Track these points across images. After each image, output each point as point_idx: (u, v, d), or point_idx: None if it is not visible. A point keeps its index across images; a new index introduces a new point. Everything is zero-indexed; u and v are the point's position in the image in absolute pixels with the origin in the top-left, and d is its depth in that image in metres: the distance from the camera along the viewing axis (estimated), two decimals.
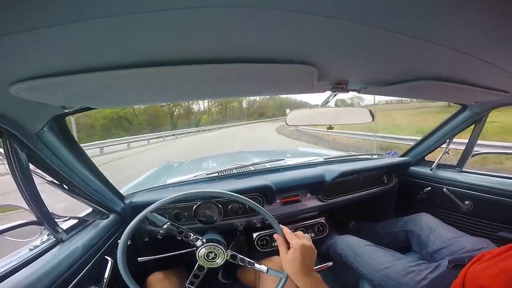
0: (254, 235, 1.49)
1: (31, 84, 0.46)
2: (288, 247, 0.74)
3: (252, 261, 0.86)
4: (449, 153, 1.56)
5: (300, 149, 3.48)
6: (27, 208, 0.77)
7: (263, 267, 0.84)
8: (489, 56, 0.57)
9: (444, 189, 1.49)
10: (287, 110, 1.07)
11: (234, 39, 0.42)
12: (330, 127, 1.10)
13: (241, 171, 1.63)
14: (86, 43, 0.38)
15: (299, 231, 0.79)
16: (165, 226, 0.84)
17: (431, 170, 1.63)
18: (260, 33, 0.41)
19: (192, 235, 0.87)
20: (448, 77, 0.73)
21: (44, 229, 0.84)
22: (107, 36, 0.37)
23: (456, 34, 0.46)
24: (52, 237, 0.87)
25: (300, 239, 0.73)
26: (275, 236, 0.78)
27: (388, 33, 0.43)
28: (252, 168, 1.68)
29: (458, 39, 0.48)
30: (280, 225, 0.79)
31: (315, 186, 1.47)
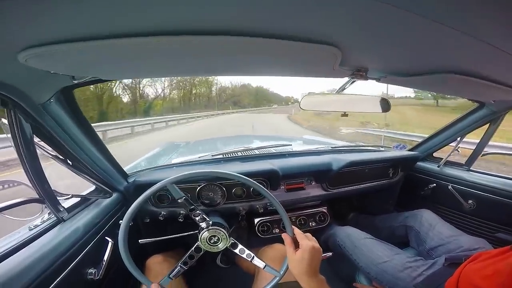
0: (256, 220, 1.49)
1: (41, 50, 0.43)
2: (296, 248, 0.73)
3: (252, 254, 0.85)
4: (458, 151, 1.53)
5: (305, 136, 3.46)
6: (29, 184, 0.74)
7: (260, 263, 0.83)
8: None
9: (449, 187, 1.48)
10: (300, 95, 1.03)
11: (257, 11, 0.38)
12: (345, 114, 1.07)
13: (246, 154, 1.61)
14: (99, 8, 0.34)
15: (308, 233, 0.78)
16: (180, 200, 0.82)
17: (438, 166, 1.61)
18: (287, 8, 0.38)
19: (201, 214, 0.85)
20: (473, 72, 0.70)
21: (45, 207, 0.81)
22: (121, 2, 0.33)
23: (490, 27, 0.43)
24: (53, 216, 0.84)
25: (309, 241, 0.73)
26: (283, 235, 0.78)
27: (421, 19, 0.40)
28: (257, 152, 1.65)
29: (492, 32, 0.45)
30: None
31: (321, 174, 1.46)
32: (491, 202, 1.32)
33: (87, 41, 0.42)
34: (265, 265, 0.83)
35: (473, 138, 1.49)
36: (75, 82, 0.68)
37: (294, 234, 0.77)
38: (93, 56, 0.49)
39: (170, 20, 0.39)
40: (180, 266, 0.85)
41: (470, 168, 1.51)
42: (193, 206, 0.84)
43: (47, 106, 0.72)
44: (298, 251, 0.72)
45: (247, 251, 0.86)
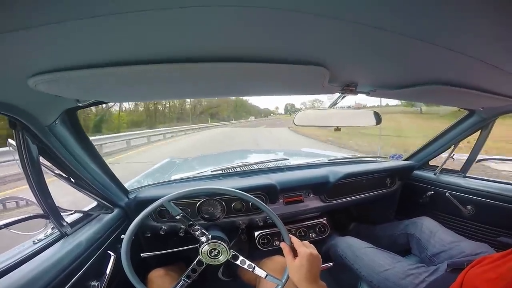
0: (256, 233, 1.50)
1: (50, 77, 0.47)
2: (295, 256, 0.75)
3: (253, 264, 0.87)
4: (453, 158, 1.55)
5: (303, 149, 3.47)
6: (34, 201, 0.77)
7: (262, 272, 0.85)
8: (503, 62, 0.57)
9: (447, 194, 1.49)
10: (300, 109, 1.06)
11: (249, 39, 0.42)
12: (338, 129, 1.10)
13: (245, 169, 1.63)
14: (104, 38, 0.38)
15: (306, 241, 0.80)
16: (178, 217, 0.84)
17: (434, 174, 1.63)
18: (274, 34, 0.41)
19: (200, 229, 0.87)
20: (459, 83, 0.73)
21: (49, 222, 0.84)
22: (124, 32, 0.37)
23: (471, 40, 0.46)
24: (56, 230, 0.86)
25: (307, 248, 0.75)
26: (282, 244, 0.80)
27: (401, 38, 0.43)
28: (256, 166, 1.68)
29: (473, 45, 0.48)
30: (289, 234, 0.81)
31: (319, 187, 1.47)
32: (490, 207, 1.33)
33: (92, 68, 0.46)
34: (267, 274, 0.84)
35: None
36: (80, 104, 0.72)
37: (292, 243, 0.79)
38: (97, 81, 0.53)
39: (167, 49, 0.43)
40: (183, 280, 0.87)
41: (466, 175, 1.52)
42: (191, 222, 0.86)
43: (52, 128, 0.75)
44: (296, 258, 0.74)
45: (248, 262, 0.87)
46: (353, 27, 0.39)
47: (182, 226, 1.23)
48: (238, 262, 0.88)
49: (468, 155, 1.50)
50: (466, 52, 0.50)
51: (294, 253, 0.76)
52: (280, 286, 0.81)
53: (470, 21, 0.39)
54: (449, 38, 0.44)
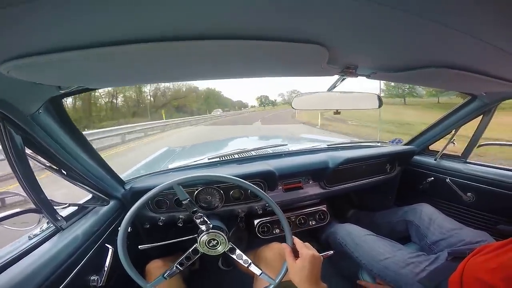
0: (255, 221, 1.50)
1: (22, 62, 0.43)
2: (296, 256, 0.75)
3: (249, 260, 0.86)
4: (454, 143, 1.53)
5: (302, 135, 3.46)
6: (25, 195, 0.74)
7: (257, 270, 0.85)
8: (509, 45, 0.55)
9: (447, 180, 1.48)
10: (294, 96, 1.03)
11: (242, 13, 0.39)
12: (337, 112, 1.08)
13: (242, 156, 1.61)
14: (80, 16, 0.34)
15: (307, 243, 0.79)
16: (184, 202, 0.84)
17: (435, 160, 1.62)
18: (271, 9, 0.38)
19: (202, 217, 0.86)
20: (462, 66, 0.71)
21: (43, 217, 0.82)
22: (102, 8, 0.33)
23: (477, 21, 0.43)
24: (52, 225, 0.85)
25: (309, 250, 0.75)
26: (283, 245, 0.80)
27: (406, 16, 0.40)
28: (254, 153, 1.66)
29: (479, 26, 0.45)
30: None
31: (319, 173, 1.46)
32: (490, 194, 1.32)
33: (70, 51, 0.42)
34: (261, 273, 0.84)
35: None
36: (62, 92, 0.68)
37: (294, 244, 0.78)
38: (75, 65, 0.49)
39: (155, 26, 0.39)
40: (176, 266, 0.86)
41: (467, 160, 1.51)
42: (195, 208, 0.86)
43: (36, 117, 0.72)
44: (298, 260, 0.73)
45: (244, 257, 0.87)
46: (356, 3, 0.36)
47: (181, 216, 1.22)
48: (234, 256, 0.88)
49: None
50: (471, 33, 0.47)
51: (295, 254, 0.76)
52: (272, 286, 0.81)
53: (480, 3, 0.37)
54: (455, 17, 0.42)
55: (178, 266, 0.86)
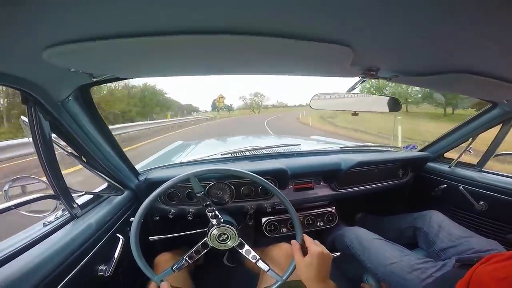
0: (263, 219, 1.50)
1: (65, 48, 0.44)
2: (304, 254, 0.75)
3: (257, 256, 0.87)
4: (470, 152, 1.51)
5: (313, 136, 3.44)
6: (45, 181, 0.76)
7: (264, 266, 0.85)
8: None
9: (460, 187, 1.46)
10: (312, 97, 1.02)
11: (274, 11, 0.39)
12: (355, 114, 1.07)
13: (255, 153, 1.62)
14: (119, 7, 0.36)
15: (316, 240, 0.79)
16: (199, 194, 0.85)
17: (449, 167, 1.59)
18: (301, 8, 0.38)
19: (214, 211, 0.87)
20: (486, 72, 0.70)
21: (59, 203, 0.83)
22: (142, 2, 0.34)
23: (500, 27, 0.43)
24: (67, 212, 0.86)
25: (318, 247, 0.75)
26: (293, 241, 0.79)
27: (431, 21, 0.41)
28: (265, 151, 1.66)
29: (502, 32, 0.45)
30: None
31: (330, 174, 1.45)
32: (503, 203, 1.30)
33: (106, 40, 0.43)
34: (269, 269, 0.84)
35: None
36: (94, 80, 0.70)
37: (303, 241, 0.78)
38: (111, 54, 0.51)
39: (188, 19, 0.40)
40: (185, 259, 0.87)
41: (482, 169, 1.48)
42: (208, 202, 0.86)
43: (65, 104, 0.74)
44: (306, 256, 0.73)
45: (252, 253, 0.87)
46: (385, 7, 0.37)
47: (191, 210, 1.23)
48: (243, 251, 0.88)
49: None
50: (495, 39, 0.47)
51: (304, 251, 0.76)
52: (279, 283, 0.81)
53: (505, 6, 0.36)
54: (478, 23, 0.42)
55: (187, 259, 0.87)
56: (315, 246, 0.74)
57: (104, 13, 0.37)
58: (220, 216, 0.87)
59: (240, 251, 0.88)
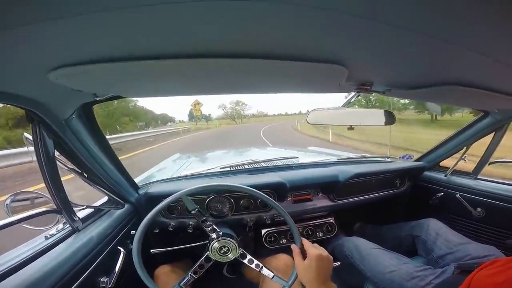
0: (263, 231, 1.50)
1: (72, 70, 0.47)
2: (304, 257, 0.75)
3: (260, 264, 0.87)
4: (465, 160, 1.53)
5: (311, 148, 3.45)
6: (46, 195, 0.77)
7: (269, 273, 0.85)
8: None
9: (457, 195, 1.47)
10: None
11: (269, 35, 0.42)
12: (351, 128, 1.09)
13: (253, 166, 1.63)
14: (124, 32, 0.38)
15: (315, 243, 0.80)
16: (193, 212, 0.85)
17: (445, 175, 1.61)
18: (294, 31, 0.41)
19: (211, 225, 0.87)
20: (476, 84, 0.72)
21: (61, 217, 0.85)
22: (143, 27, 0.37)
23: (487, 40, 0.45)
24: (68, 225, 0.87)
25: (317, 249, 0.75)
26: (292, 246, 0.80)
27: (420, 36, 0.43)
28: (264, 164, 1.67)
29: (489, 45, 0.47)
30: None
31: (328, 186, 1.46)
32: (500, 209, 1.31)
33: (112, 63, 0.46)
34: (274, 275, 0.84)
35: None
36: (96, 99, 0.73)
37: (302, 245, 0.79)
38: (115, 76, 0.53)
39: (186, 44, 0.43)
40: (190, 275, 0.87)
41: (478, 177, 1.50)
42: (205, 218, 0.87)
43: (69, 122, 0.76)
44: (306, 259, 0.74)
45: (255, 262, 0.88)
46: (375, 25, 0.39)
47: (191, 223, 1.24)
48: (245, 261, 0.88)
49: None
50: (482, 51, 0.49)
51: (304, 254, 0.76)
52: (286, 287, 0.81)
53: (492, 21, 0.38)
54: (470, 38, 0.44)
55: (193, 274, 0.87)
56: (313, 249, 0.75)
57: (107, 37, 0.39)
58: (218, 230, 0.88)
59: (243, 261, 0.88)
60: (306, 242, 0.79)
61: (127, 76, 0.54)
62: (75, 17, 0.32)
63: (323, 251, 0.75)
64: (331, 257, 0.75)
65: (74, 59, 0.45)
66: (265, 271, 0.86)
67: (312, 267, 0.71)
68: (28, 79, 0.52)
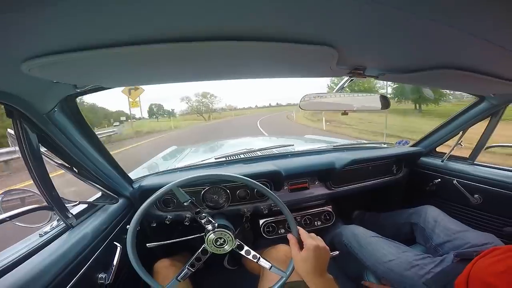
0: (261, 221, 1.50)
1: (44, 61, 0.44)
2: (301, 248, 0.74)
3: (258, 255, 0.86)
4: (461, 145, 1.53)
5: (307, 136, 3.44)
6: (38, 192, 0.76)
7: (266, 264, 0.84)
8: None
9: (454, 182, 1.47)
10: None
11: (254, 15, 0.39)
12: (345, 113, 1.08)
13: (249, 156, 1.62)
14: (99, 17, 0.35)
15: (313, 233, 0.79)
16: (186, 204, 0.83)
17: (442, 161, 1.61)
18: (282, 10, 0.38)
19: (206, 217, 0.86)
20: (471, 67, 0.71)
21: (54, 214, 0.84)
22: (121, 10, 0.34)
23: (488, 23, 0.44)
24: (62, 222, 0.86)
25: (314, 240, 0.74)
26: (289, 236, 0.79)
27: (414, 18, 0.41)
28: (259, 153, 1.66)
29: (484, 27, 0.45)
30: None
31: (325, 174, 1.46)
32: (498, 196, 1.31)
33: (88, 50, 0.43)
34: (271, 266, 0.84)
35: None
36: (78, 90, 0.70)
37: (299, 235, 0.78)
38: (94, 64, 0.50)
39: (168, 27, 0.40)
40: (187, 268, 0.86)
41: (474, 162, 1.50)
42: (198, 209, 0.85)
43: (51, 116, 0.73)
44: (303, 250, 0.73)
45: (252, 253, 0.87)
46: (367, 5, 0.37)
47: (188, 215, 1.23)
48: (243, 252, 0.88)
49: None
50: (478, 34, 0.48)
51: (301, 245, 0.75)
52: (284, 278, 0.81)
53: (490, 4, 0.37)
54: (465, 20, 0.42)
55: (190, 267, 0.87)
56: (311, 240, 0.74)
57: (84, 23, 0.37)
58: (213, 221, 0.87)
59: (240, 252, 0.88)
60: (303, 233, 0.78)
61: (106, 64, 0.51)
62: (43, 6, 0.30)
63: (320, 242, 0.75)
64: (327, 248, 0.75)
65: (47, 48, 0.43)
66: (262, 262, 0.85)
67: (309, 259, 0.71)
68: (1, 72, 0.50)
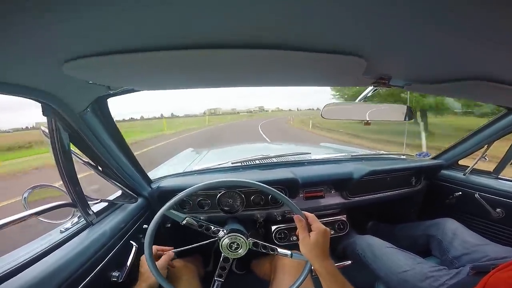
0: (273, 228, 1.49)
1: (84, 62, 0.46)
2: (309, 230, 0.74)
3: (275, 247, 0.86)
4: (485, 159, 1.47)
5: (324, 144, 3.41)
6: (63, 189, 0.78)
7: (286, 252, 0.84)
8: None
9: (476, 195, 1.42)
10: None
11: (286, 24, 0.40)
12: (367, 123, 1.06)
13: (265, 162, 1.61)
14: (138, 23, 0.37)
15: (313, 214, 0.78)
16: (184, 222, 0.83)
17: (464, 174, 1.55)
18: (312, 20, 0.39)
19: (212, 227, 0.86)
20: (500, 78, 0.69)
21: (76, 211, 0.86)
22: (158, 16, 0.35)
23: None
24: (82, 219, 0.88)
25: (321, 224, 0.74)
26: (296, 217, 0.78)
27: (444, 29, 0.40)
28: (275, 160, 1.65)
29: None
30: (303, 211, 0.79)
31: (342, 183, 1.44)
32: None
33: (125, 54, 0.45)
34: (291, 253, 0.84)
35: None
36: (110, 92, 0.73)
37: (306, 217, 0.77)
38: (128, 67, 0.52)
39: (203, 34, 0.41)
40: (217, 280, 0.88)
41: (499, 176, 1.44)
42: (200, 223, 0.85)
43: (84, 115, 0.76)
44: (312, 234, 0.72)
45: (269, 246, 0.86)
46: (398, 15, 0.36)
47: (202, 217, 1.23)
48: (259, 248, 0.87)
49: None
50: (510, 45, 0.46)
51: (308, 228, 0.75)
52: (310, 263, 0.79)
53: None
54: (492, 29, 0.41)
55: (219, 278, 0.88)
56: (319, 224, 0.74)
57: (120, 28, 0.38)
58: (222, 228, 0.87)
59: (257, 249, 0.87)
60: (310, 215, 0.77)
61: (139, 67, 0.53)
62: (87, 8, 0.31)
63: (323, 225, 0.75)
64: (328, 230, 0.75)
65: (86, 51, 0.44)
66: (281, 251, 0.85)
67: (319, 243, 0.70)
68: (42, 72, 0.52)
